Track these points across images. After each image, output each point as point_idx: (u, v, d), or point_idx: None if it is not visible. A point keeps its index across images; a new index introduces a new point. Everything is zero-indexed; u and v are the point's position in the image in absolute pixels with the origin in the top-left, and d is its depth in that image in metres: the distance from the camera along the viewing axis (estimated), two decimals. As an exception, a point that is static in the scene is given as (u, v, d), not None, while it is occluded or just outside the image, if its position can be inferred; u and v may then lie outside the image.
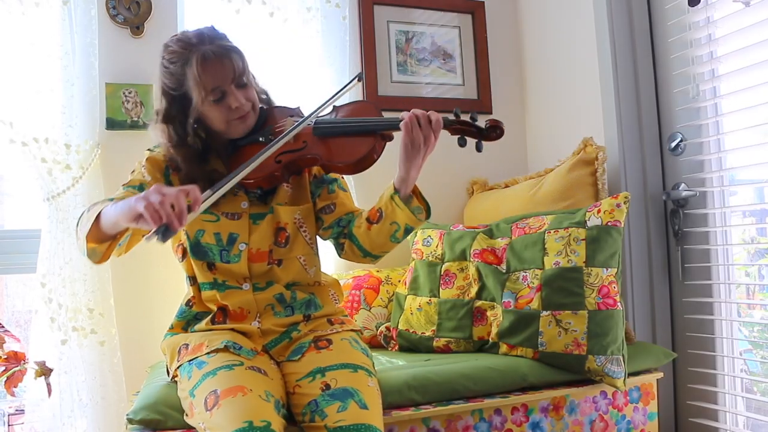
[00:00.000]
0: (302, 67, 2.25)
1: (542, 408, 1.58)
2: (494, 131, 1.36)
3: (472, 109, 2.45)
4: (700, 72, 1.92)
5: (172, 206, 1.07)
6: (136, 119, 2.07)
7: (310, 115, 1.41)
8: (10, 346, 1.64)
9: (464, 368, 1.56)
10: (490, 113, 2.54)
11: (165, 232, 1.08)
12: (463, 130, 1.37)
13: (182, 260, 1.48)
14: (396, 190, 1.38)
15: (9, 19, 1.91)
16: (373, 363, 1.41)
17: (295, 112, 1.48)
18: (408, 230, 1.41)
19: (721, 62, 1.86)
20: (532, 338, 1.64)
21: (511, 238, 1.83)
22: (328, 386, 1.23)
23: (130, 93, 2.07)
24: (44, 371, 1.65)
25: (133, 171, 1.43)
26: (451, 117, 1.37)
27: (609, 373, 1.56)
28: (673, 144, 2.00)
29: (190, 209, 1.11)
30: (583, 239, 1.66)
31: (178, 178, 1.41)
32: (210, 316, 1.41)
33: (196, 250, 1.41)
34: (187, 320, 1.45)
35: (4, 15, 1.90)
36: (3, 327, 1.68)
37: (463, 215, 2.41)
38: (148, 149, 1.46)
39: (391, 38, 2.46)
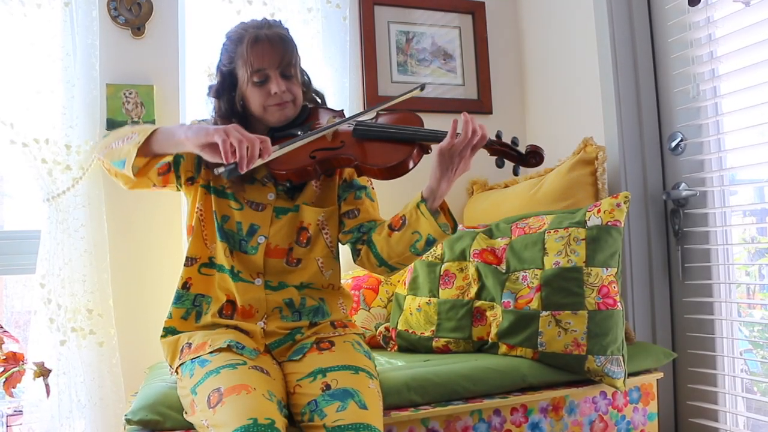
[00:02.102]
0: (303, 67, 2.24)
1: (541, 408, 1.58)
2: (534, 157, 1.36)
3: (472, 109, 2.52)
4: (700, 72, 1.92)
5: (247, 148, 1.18)
6: (136, 120, 2.06)
7: (354, 116, 1.44)
8: (9, 346, 1.64)
9: (463, 369, 1.55)
10: (490, 113, 2.54)
11: (233, 170, 1.18)
12: (503, 152, 1.37)
13: (189, 237, 1.46)
14: (423, 199, 1.37)
15: (11, 21, 1.91)
16: (375, 366, 1.41)
17: (338, 114, 1.49)
18: (429, 242, 1.37)
19: (721, 62, 1.85)
20: (531, 338, 1.63)
21: (510, 238, 1.83)
22: (328, 386, 1.23)
23: (130, 94, 2.07)
24: (43, 372, 1.65)
25: None
26: (493, 137, 1.37)
27: (609, 374, 1.55)
28: (674, 144, 2.00)
29: (260, 156, 1.21)
30: (583, 239, 1.65)
31: None
32: (219, 307, 1.40)
33: (222, 233, 1.43)
34: (186, 308, 1.42)
35: (5, 16, 1.90)
36: (2, 328, 1.68)
37: (462, 215, 2.40)
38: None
39: (392, 38, 2.47)
